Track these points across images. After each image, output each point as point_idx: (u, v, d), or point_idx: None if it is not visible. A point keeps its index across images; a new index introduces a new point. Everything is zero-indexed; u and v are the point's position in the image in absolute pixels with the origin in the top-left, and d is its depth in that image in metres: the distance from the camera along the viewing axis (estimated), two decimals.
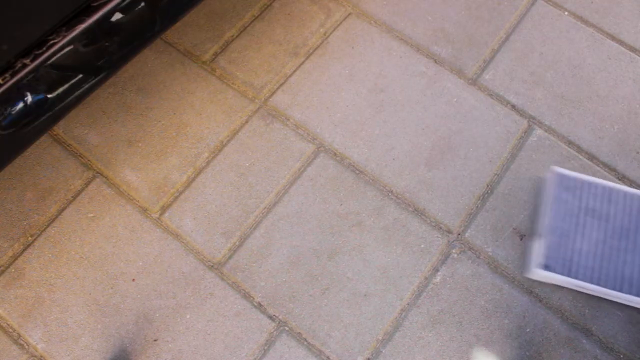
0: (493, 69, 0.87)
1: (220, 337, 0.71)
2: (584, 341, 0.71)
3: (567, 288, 0.73)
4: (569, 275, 0.71)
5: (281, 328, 0.71)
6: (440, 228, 0.77)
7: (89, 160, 0.81)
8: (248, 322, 0.71)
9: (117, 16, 0.58)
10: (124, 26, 0.61)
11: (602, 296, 0.72)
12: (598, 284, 0.71)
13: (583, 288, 0.72)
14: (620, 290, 0.71)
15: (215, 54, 0.88)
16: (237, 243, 0.76)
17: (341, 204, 0.78)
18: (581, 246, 0.73)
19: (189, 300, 0.73)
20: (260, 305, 0.72)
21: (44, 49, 0.54)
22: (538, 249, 0.72)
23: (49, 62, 0.55)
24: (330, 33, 0.90)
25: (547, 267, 0.71)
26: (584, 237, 0.73)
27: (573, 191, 0.76)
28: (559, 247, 0.72)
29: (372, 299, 0.73)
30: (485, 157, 0.81)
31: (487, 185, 0.79)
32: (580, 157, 0.82)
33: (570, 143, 0.83)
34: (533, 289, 0.74)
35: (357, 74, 0.87)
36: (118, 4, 0.58)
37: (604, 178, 0.80)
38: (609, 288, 0.71)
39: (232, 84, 0.86)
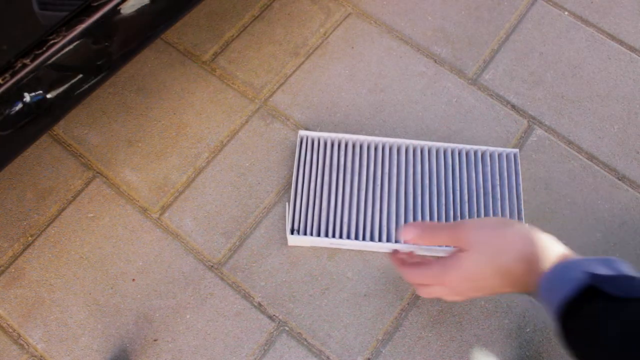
0: (493, 69, 0.88)
1: (220, 337, 0.71)
2: None
3: None
4: (318, 235, 0.73)
5: (281, 328, 0.71)
6: None
7: (89, 160, 0.81)
8: (248, 322, 0.71)
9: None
10: (124, 26, 0.61)
11: (362, 249, 0.74)
12: (355, 238, 0.73)
13: (341, 244, 0.73)
14: (379, 240, 0.72)
15: (215, 54, 0.88)
16: (237, 243, 0.76)
17: None
18: (329, 203, 0.75)
19: (189, 300, 0.73)
20: (260, 305, 0.72)
21: (44, 49, 0.54)
22: (287, 215, 0.74)
23: (49, 62, 0.55)
24: (330, 33, 0.90)
25: (293, 231, 0.73)
26: (332, 194, 0.75)
27: (317, 149, 0.78)
28: (307, 208, 0.74)
29: (372, 299, 0.73)
30: None
31: None
32: (580, 157, 0.82)
33: (570, 143, 0.83)
34: None
35: (357, 74, 0.87)
36: (118, 4, 0.58)
37: (604, 178, 0.80)
38: (366, 240, 0.72)
39: (232, 84, 0.86)
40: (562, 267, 0.48)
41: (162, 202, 0.78)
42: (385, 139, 0.78)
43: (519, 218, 0.74)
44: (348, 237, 0.73)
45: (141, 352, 0.70)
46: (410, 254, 0.62)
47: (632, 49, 0.89)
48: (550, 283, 0.48)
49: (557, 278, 0.47)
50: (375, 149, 0.78)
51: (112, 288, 0.73)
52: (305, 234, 0.73)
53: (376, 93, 0.85)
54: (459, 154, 0.78)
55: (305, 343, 0.71)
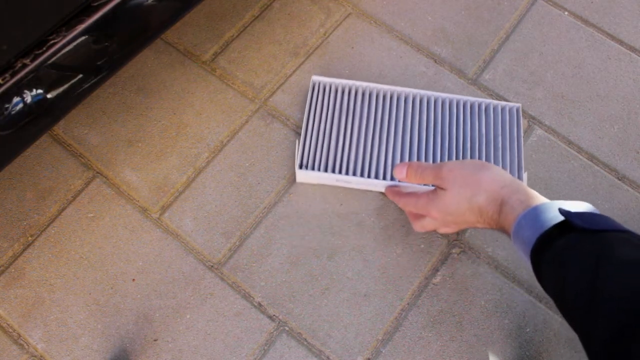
0: (493, 69, 0.88)
1: (220, 337, 0.71)
2: None
3: None
4: (325, 170, 0.76)
5: (281, 328, 0.71)
6: None
7: (89, 160, 0.81)
8: (248, 322, 0.71)
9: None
10: (124, 26, 0.61)
11: (367, 188, 0.77)
12: (360, 175, 0.76)
13: (346, 181, 0.76)
14: (383, 178, 0.76)
15: (215, 54, 0.88)
16: (237, 243, 0.76)
17: (341, 204, 0.78)
18: (338, 142, 0.78)
19: (189, 300, 0.73)
20: (260, 305, 0.72)
21: (44, 49, 0.54)
22: (296, 152, 0.77)
23: (49, 62, 0.55)
24: (330, 33, 0.90)
25: (301, 166, 0.76)
26: (340, 135, 0.78)
27: (329, 94, 0.81)
28: (316, 146, 0.78)
29: (372, 299, 0.73)
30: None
31: None
32: (580, 157, 0.82)
33: (570, 143, 0.83)
34: (533, 289, 0.74)
35: (357, 74, 0.87)
36: (118, 4, 0.58)
37: (604, 178, 0.80)
38: (371, 177, 0.76)
39: (232, 84, 0.86)
40: (537, 209, 0.52)
41: (162, 202, 0.78)
42: (394, 88, 0.81)
43: (519, 167, 0.77)
44: (354, 174, 0.76)
45: (141, 352, 0.70)
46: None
47: (632, 49, 0.89)
48: (525, 223, 0.52)
49: (531, 218, 0.52)
50: (384, 97, 0.81)
51: (112, 288, 0.73)
52: (313, 169, 0.76)
53: None
54: (464, 105, 0.81)
55: (305, 343, 0.71)
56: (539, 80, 0.87)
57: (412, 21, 0.91)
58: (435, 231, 0.74)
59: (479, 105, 0.81)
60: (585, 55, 0.89)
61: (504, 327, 0.71)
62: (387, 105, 0.80)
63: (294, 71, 0.87)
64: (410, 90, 0.81)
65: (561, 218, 0.50)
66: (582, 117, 0.85)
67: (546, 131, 0.83)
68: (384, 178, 0.75)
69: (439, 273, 0.74)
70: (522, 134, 0.79)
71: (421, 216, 0.66)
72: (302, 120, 0.81)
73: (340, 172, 0.76)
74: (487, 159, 0.77)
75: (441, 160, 0.77)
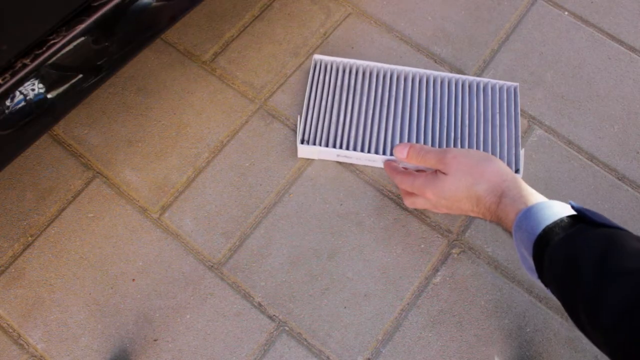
0: (493, 69, 0.88)
1: (220, 337, 0.71)
2: (584, 341, 0.71)
3: None
4: (327, 145, 0.77)
5: (281, 328, 0.71)
6: (440, 228, 0.77)
7: (89, 160, 0.81)
8: (248, 322, 0.71)
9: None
10: (124, 26, 0.61)
11: (366, 163, 0.78)
12: (360, 150, 0.77)
13: (347, 156, 0.78)
14: (383, 153, 0.77)
15: (215, 54, 0.88)
16: (237, 243, 0.76)
17: (341, 204, 0.78)
18: (339, 118, 0.79)
19: (189, 300, 0.73)
20: (260, 305, 0.72)
21: (44, 49, 0.54)
22: (298, 127, 0.78)
23: (49, 62, 0.55)
24: (330, 33, 0.90)
25: (303, 141, 0.78)
26: (341, 111, 0.80)
27: (330, 72, 0.83)
28: (317, 122, 0.79)
29: (372, 299, 0.73)
30: None
31: None
32: (580, 157, 0.82)
33: (570, 143, 0.83)
34: (533, 289, 0.74)
35: None
36: (118, 4, 0.58)
37: (604, 178, 0.80)
38: (371, 152, 0.77)
39: (232, 84, 0.86)
40: (541, 204, 0.54)
41: (162, 202, 0.78)
42: (394, 67, 0.82)
43: (516, 144, 0.78)
44: (354, 149, 0.77)
45: (141, 352, 0.70)
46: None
47: (632, 49, 0.89)
48: (530, 215, 0.54)
49: (537, 211, 0.54)
50: (384, 75, 0.82)
51: (112, 288, 0.73)
52: (314, 144, 0.77)
53: None
54: (462, 84, 0.82)
55: (305, 343, 0.71)
56: (539, 80, 0.87)
57: (412, 21, 0.91)
58: (424, 210, 0.76)
59: (477, 84, 0.82)
60: (585, 55, 0.89)
61: (504, 327, 0.72)
62: (387, 83, 0.82)
63: (294, 71, 0.87)
64: (410, 69, 0.82)
65: (565, 214, 0.52)
66: (582, 117, 0.85)
67: (546, 131, 0.83)
68: (384, 153, 0.77)
69: (439, 273, 0.74)
70: (519, 112, 0.80)
71: (415, 194, 0.68)
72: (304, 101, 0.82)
73: (341, 147, 0.77)
74: (485, 136, 0.79)
75: (440, 137, 0.78)
